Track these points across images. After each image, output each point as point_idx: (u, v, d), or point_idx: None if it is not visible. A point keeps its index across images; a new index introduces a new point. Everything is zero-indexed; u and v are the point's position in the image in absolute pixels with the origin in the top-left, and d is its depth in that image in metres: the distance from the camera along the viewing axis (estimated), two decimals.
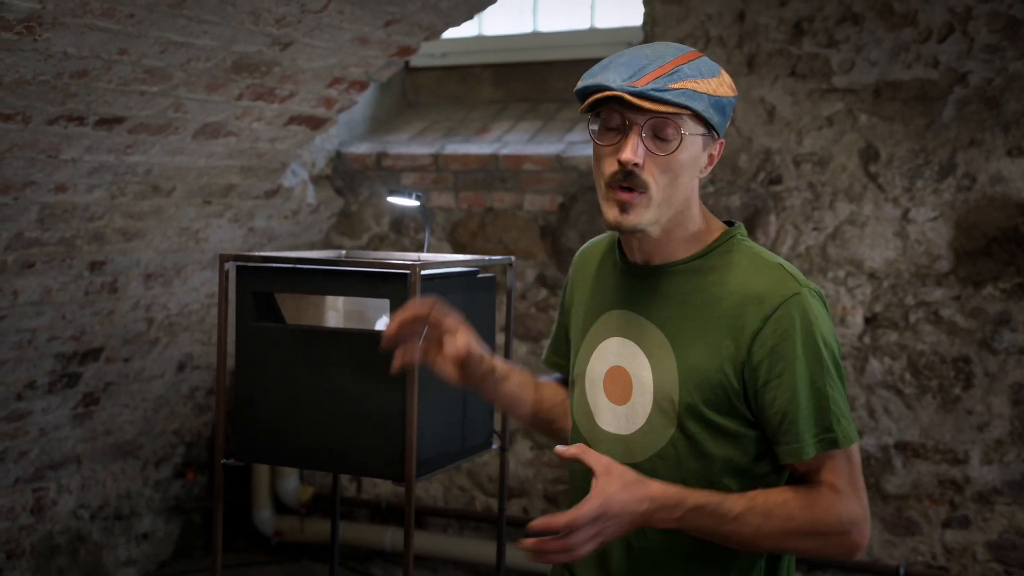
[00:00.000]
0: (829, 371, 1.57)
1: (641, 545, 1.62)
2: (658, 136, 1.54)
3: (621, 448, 1.63)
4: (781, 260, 1.63)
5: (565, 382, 1.88)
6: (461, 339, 1.68)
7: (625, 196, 1.55)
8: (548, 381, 1.90)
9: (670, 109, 1.52)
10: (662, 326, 1.62)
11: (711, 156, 1.62)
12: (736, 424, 1.58)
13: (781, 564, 1.65)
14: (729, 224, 1.69)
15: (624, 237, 1.67)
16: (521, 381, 1.82)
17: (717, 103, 1.56)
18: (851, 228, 3.54)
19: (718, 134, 1.59)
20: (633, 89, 1.51)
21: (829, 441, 1.54)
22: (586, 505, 1.45)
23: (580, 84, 1.59)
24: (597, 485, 1.47)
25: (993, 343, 3.38)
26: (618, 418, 1.65)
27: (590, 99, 1.56)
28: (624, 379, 1.65)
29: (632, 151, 1.53)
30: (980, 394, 3.40)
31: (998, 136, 3.35)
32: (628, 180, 1.54)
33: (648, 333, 1.64)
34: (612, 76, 1.54)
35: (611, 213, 1.57)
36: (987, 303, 3.38)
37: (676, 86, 1.52)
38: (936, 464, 3.47)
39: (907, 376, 3.49)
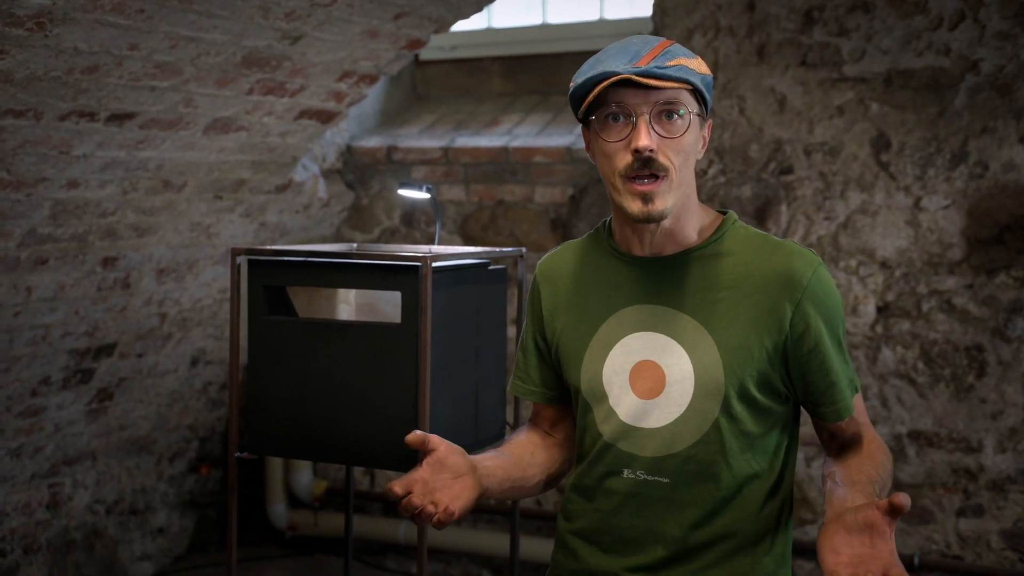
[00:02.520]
0: (844, 327, 1.68)
1: (696, 522, 1.65)
2: (665, 118, 1.57)
3: (657, 442, 1.65)
4: (782, 239, 1.71)
5: (539, 414, 1.86)
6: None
7: (647, 187, 1.57)
8: (517, 441, 1.81)
9: (674, 85, 1.55)
10: (692, 313, 1.64)
11: (704, 138, 1.65)
12: (769, 399, 1.65)
13: (788, 544, 1.74)
14: (720, 212, 1.74)
15: (634, 230, 1.67)
16: (507, 466, 1.72)
17: (705, 80, 1.61)
18: (863, 217, 3.53)
19: (707, 113, 1.64)
20: (639, 69, 1.55)
21: (854, 388, 1.68)
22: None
23: (578, 80, 1.60)
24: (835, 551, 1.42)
25: (1006, 331, 3.37)
26: (649, 412, 1.65)
27: (596, 89, 1.56)
28: (654, 372, 1.65)
29: (646, 137, 1.55)
30: (994, 382, 3.39)
31: (1010, 123, 3.34)
32: (648, 167, 1.56)
33: (678, 322, 1.64)
34: (612, 64, 1.57)
35: (635, 206, 1.58)
36: (1000, 291, 3.37)
37: (672, 63, 1.57)
38: (950, 453, 3.46)
39: (920, 365, 3.48)
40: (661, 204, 1.57)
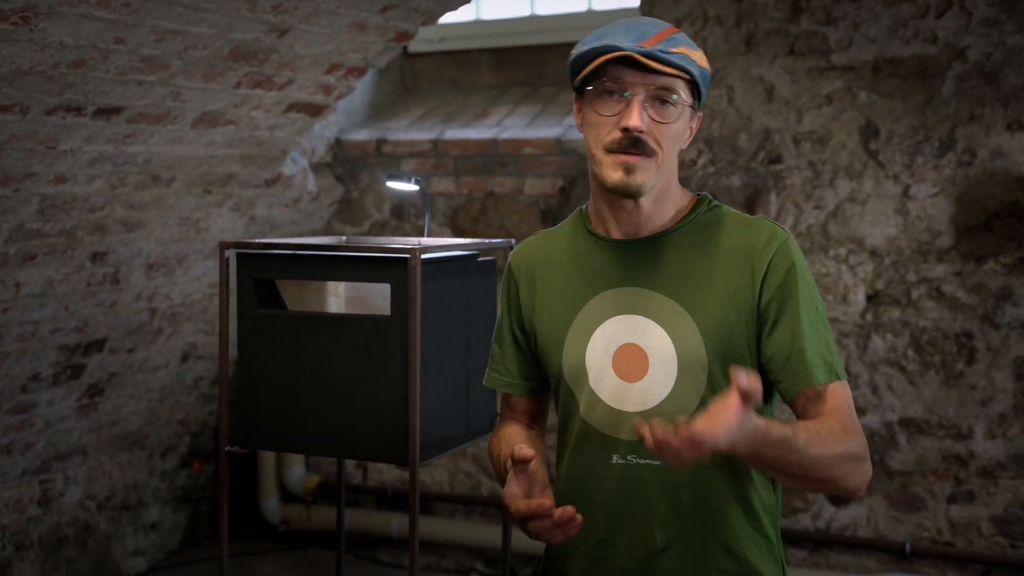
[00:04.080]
0: (819, 311, 1.64)
1: (689, 501, 1.64)
2: (658, 103, 1.58)
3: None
4: (754, 215, 1.70)
5: (517, 407, 1.86)
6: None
7: (631, 158, 1.58)
8: (514, 430, 1.82)
9: (674, 71, 1.57)
10: (671, 294, 1.64)
11: (691, 128, 1.67)
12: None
13: (779, 511, 1.73)
14: (696, 194, 1.75)
15: (611, 207, 1.67)
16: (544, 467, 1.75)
17: (703, 74, 1.63)
18: (852, 206, 3.54)
19: (699, 106, 1.65)
20: (643, 49, 1.55)
21: (831, 371, 1.60)
22: (708, 429, 1.37)
23: (581, 50, 1.61)
24: (714, 417, 1.40)
25: (995, 318, 3.38)
26: (634, 395, 1.65)
27: (598, 60, 1.57)
28: (637, 355, 1.65)
29: (638, 118, 1.56)
30: (983, 369, 3.40)
31: (997, 111, 3.35)
32: (635, 147, 1.58)
33: (656, 303, 1.65)
34: (617, 39, 1.57)
35: (615, 175, 1.59)
36: (989, 278, 3.38)
37: (676, 50, 1.58)
38: (940, 440, 3.48)
39: (910, 352, 3.49)
40: (641, 178, 1.59)
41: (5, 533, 3.68)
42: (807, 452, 1.51)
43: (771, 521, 1.71)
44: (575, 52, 1.63)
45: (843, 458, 1.55)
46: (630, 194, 1.61)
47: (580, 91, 1.65)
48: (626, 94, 1.58)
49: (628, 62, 1.56)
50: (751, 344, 1.63)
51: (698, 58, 1.61)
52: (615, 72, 1.58)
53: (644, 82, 1.57)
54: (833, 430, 1.55)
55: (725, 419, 1.36)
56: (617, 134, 1.58)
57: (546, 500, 1.51)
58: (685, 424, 1.36)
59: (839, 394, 1.60)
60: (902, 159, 3.47)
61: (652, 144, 1.58)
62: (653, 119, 1.58)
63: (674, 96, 1.58)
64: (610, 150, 1.59)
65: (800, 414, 1.63)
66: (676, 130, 1.61)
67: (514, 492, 1.56)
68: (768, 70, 3.61)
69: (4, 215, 2.96)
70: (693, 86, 1.62)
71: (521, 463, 1.54)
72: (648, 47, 1.56)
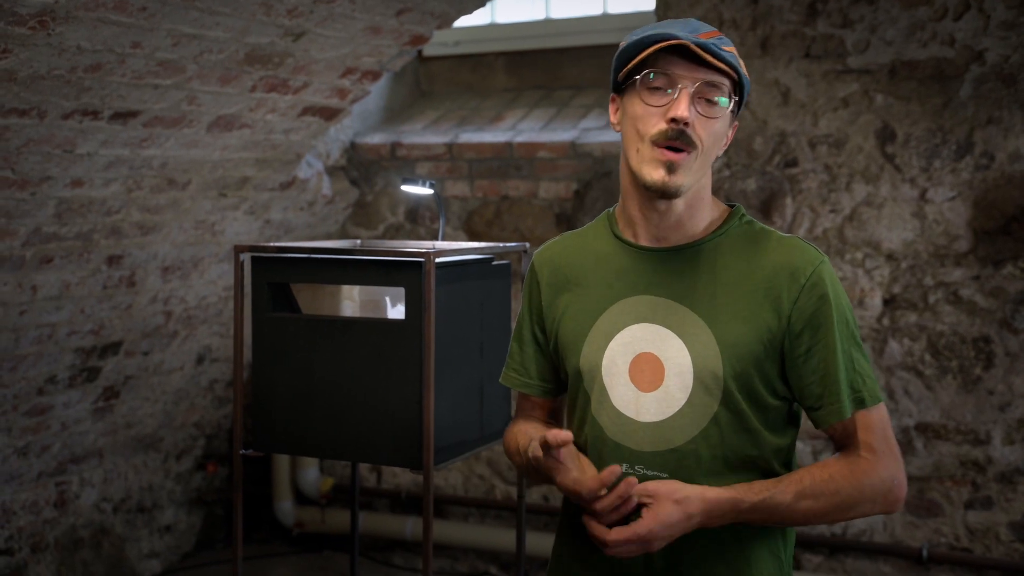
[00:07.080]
0: (853, 334, 1.63)
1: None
2: (704, 99, 1.59)
3: (656, 435, 1.63)
4: (788, 234, 1.69)
5: (538, 406, 1.86)
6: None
7: (675, 156, 1.58)
8: (533, 424, 1.84)
9: (723, 67, 1.57)
10: (693, 306, 1.63)
11: (728, 135, 1.66)
12: (769, 395, 1.63)
13: (792, 532, 1.73)
14: (729, 205, 1.74)
15: (643, 211, 1.66)
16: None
17: (745, 79, 1.63)
18: (868, 209, 3.52)
19: (737, 112, 1.65)
20: (698, 40, 1.56)
21: (858, 400, 1.61)
22: (640, 526, 1.54)
23: (632, 39, 1.61)
24: (650, 511, 1.54)
25: (1014, 322, 3.35)
26: (648, 405, 1.63)
27: (652, 48, 1.57)
28: (654, 365, 1.63)
29: (686, 109, 1.56)
30: (1001, 374, 3.38)
31: (1016, 114, 3.32)
32: (679, 139, 1.57)
33: (678, 315, 1.63)
34: (671, 31, 1.58)
35: (657, 173, 1.58)
36: (1007, 282, 3.36)
37: (727, 49, 1.59)
38: (958, 445, 3.45)
39: (927, 357, 3.47)
40: (681, 178, 1.58)
41: (21, 535, 3.70)
42: (796, 507, 1.57)
43: (783, 538, 1.69)
44: (625, 42, 1.62)
45: (844, 506, 1.60)
46: (668, 194, 1.60)
47: (622, 85, 1.64)
48: (669, 91, 1.57)
49: (680, 53, 1.56)
50: (773, 366, 1.61)
51: (742, 64, 1.62)
52: (665, 64, 1.57)
53: (694, 75, 1.57)
54: (834, 478, 1.59)
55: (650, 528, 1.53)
56: (663, 126, 1.57)
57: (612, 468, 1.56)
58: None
59: (869, 423, 1.62)
60: (919, 162, 3.45)
61: (694, 137, 1.57)
62: (699, 114, 1.58)
63: (719, 96, 1.58)
64: (655, 143, 1.58)
65: (834, 442, 1.66)
66: (719, 129, 1.61)
67: (576, 477, 1.59)
68: (784, 73, 3.60)
69: (21, 218, 2.97)
70: (735, 90, 1.62)
71: (560, 446, 1.57)
72: (704, 40, 1.56)
